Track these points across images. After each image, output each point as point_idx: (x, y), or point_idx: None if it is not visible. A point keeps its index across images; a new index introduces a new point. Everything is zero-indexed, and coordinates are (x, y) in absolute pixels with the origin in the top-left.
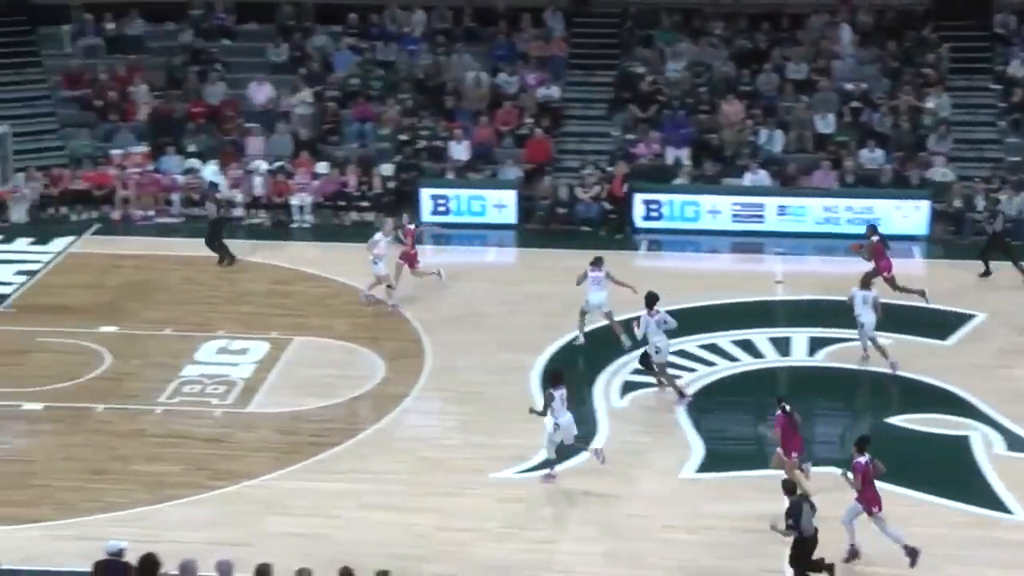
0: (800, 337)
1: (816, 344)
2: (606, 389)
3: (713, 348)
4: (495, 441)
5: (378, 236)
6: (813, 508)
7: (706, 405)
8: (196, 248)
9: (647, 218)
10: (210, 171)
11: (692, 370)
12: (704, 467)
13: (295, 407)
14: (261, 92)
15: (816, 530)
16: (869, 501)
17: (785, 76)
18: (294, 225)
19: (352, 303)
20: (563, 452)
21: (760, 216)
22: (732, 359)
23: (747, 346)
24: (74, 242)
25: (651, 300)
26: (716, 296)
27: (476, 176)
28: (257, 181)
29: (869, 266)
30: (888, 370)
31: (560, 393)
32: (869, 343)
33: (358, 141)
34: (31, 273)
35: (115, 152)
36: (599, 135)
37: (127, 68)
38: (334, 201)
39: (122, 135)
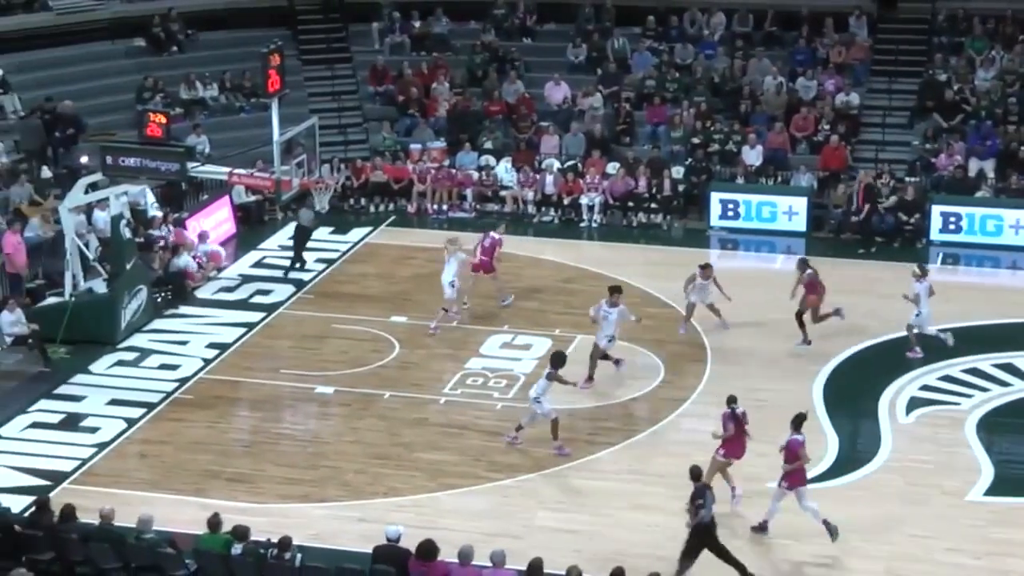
0: None
1: None
2: (891, 405)
3: (1009, 368)
4: (774, 450)
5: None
6: (712, 498)
7: (998, 427)
8: None
9: (945, 231)
10: (503, 168)
11: (985, 390)
12: (992, 490)
13: (573, 405)
14: (557, 91)
15: (713, 518)
16: (790, 478)
17: None
18: (583, 224)
19: (635, 304)
20: (842, 464)
21: None
22: None
23: None
24: (371, 233)
25: (616, 290)
26: (1015, 315)
27: (768, 182)
28: (548, 179)
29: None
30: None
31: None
32: (916, 334)
33: (651, 143)
34: (330, 261)
35: (414, 147)
36: (898, 144)
37: (430, 65)
38: (623, 202)
39: (421, 130)
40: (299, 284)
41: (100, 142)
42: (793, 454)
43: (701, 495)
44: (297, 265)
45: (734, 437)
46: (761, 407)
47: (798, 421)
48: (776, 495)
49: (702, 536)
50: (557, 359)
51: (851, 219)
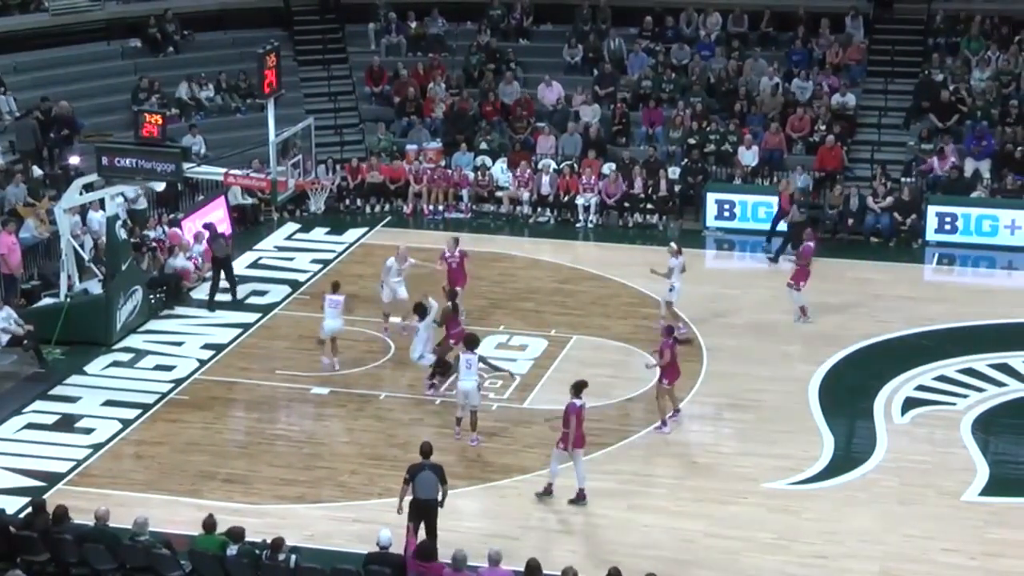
0: None
1: None
2: (887, 405)
3: (1004, 368)
4: (769, 450)
5: (390, 262)
6: (443, 481)
7: (994, 427)
8: (482, 244)
9: (940, 231)
10: (499, 169)
11: (981, 390)
12: (988, 491)
13: None
14: (550, 93)
15: (433, 500)
16: (572, 439)
17: None
18: (579, 225)
19: (632, 304)
20: (838, 465)
21: None
22: None
23: None
24: (367, 234)
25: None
26: (1010, 315)
27: (764, 183)
28: (544, 180)
29: None
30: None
31: (467, 357)
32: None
33: (647, 143)
34: (325, 262)
35: (410, 147)
36: (894, 144)
37: (426, 66)
38: (619, 203)
39: (417, 131)
40: (295, 285)
41: (95, 143)
42: (577, 418)
43: (416, 471)
44: (234, 293)
45: (670, 364)
46: (757, 407)
47: (578, 387)
48: (556, 456)
49: (413, 508)
50: (468, 341)
51: (845, 219)
